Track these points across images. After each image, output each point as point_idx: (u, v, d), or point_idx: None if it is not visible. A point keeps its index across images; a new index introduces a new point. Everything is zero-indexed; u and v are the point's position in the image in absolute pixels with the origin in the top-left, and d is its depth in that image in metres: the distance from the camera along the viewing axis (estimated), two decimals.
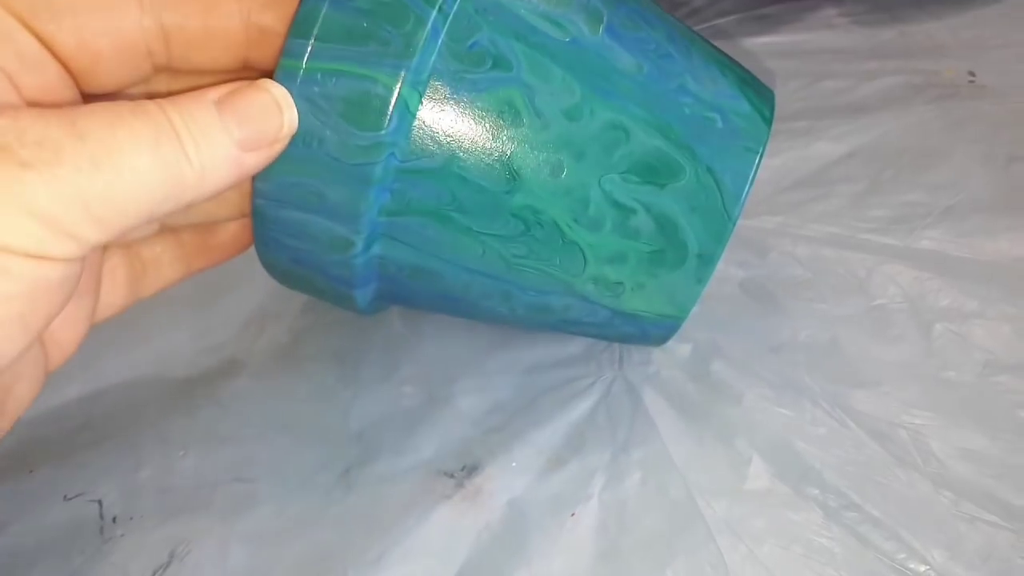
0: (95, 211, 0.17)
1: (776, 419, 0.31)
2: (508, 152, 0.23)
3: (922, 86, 0.47)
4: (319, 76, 0.20)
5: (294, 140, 0.21)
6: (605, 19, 0.24)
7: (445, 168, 0.22)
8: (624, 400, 0.32)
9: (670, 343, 0.33)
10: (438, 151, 0.22)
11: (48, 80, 0.20)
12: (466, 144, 0.22)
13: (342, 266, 0.24)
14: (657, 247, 0.25)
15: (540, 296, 0.26)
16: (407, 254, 0.24)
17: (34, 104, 0.19)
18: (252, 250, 0.26)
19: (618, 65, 0.24)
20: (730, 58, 0.28)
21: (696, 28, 0.53)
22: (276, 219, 0.23)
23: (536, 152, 0.23)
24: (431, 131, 0.22)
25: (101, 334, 0.37)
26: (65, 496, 0.30)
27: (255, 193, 0.22)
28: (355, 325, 0.35)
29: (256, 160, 0.20)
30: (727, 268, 0.37)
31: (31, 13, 0.19)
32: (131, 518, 0.30)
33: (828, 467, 0.30)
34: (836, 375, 0.33)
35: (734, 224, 0.25)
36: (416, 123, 0.21)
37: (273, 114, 0.20)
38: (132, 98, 0.21)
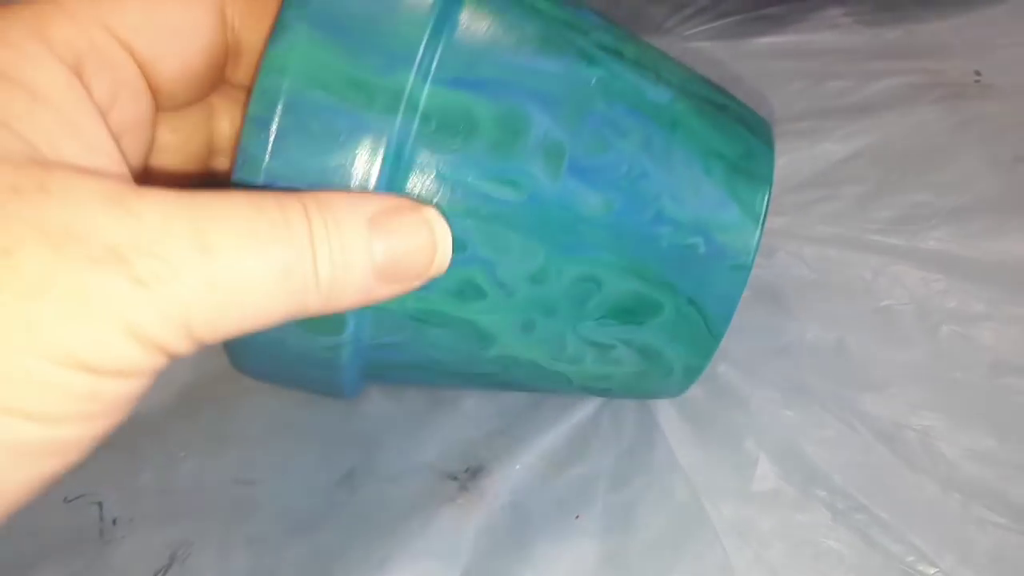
0: (197, 331, 0.15)
1: (783, 421, 0.31)
2: (475, 321, 0.21)
3: (927, 86, 0.47)
4: None
5: None
6: (567, 153, 0.20)
7: (414, 341, 0.22)
8: (629, 403, 0.32)
9: None
10: (403, 330, 0.21)
11: (138, 112, 0.18)
12: (431, 321, 0.21)
13: (332, 389, 0.24)
14: (641, 369, 0.25)
15: (533, 392, 0.27)
16: (395, 377, 0.25)
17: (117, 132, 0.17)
18: None
19: (584, 211, 0.21)
20: (723, 117, 0.24)
21: (700, 28, 0.52)
22: (256, 374, 0.23)
23: (504, 316, 0.22)
24: (393, 318, 0.21)
25: None
26: (65, 498, 0.30)
27: (229, 358, 0.22)
28: None
29: (389, 292, 0.18)
30: None
31: (139, 38, 0.18)
32: (132, 520, 0.29)
33: (836, 469, 0.30)
34: (843, 377, 0.32)
35: (720, 340, 0.24)
36: (374, 315, 0.20)
37: (425, 249, 0.18)
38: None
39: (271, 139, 0.18)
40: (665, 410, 0.32)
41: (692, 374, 0.25)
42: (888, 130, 0.44)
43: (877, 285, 0.36)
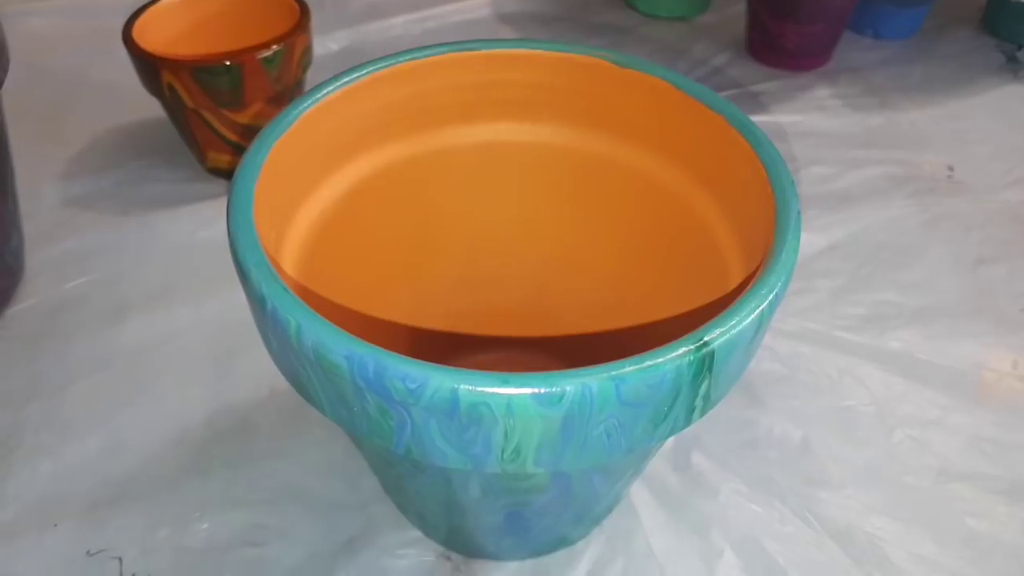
0: None
1: (748, 515, 0.34)
2: None
3: (903, 178, 0.50)
4: None
5: None
6: None
7: None
8: None
9: None
10: None
11: None
12: None
13: None
14: None
15: None
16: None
17: None
18: None
19: None
20: None
21: None
22: None
23: None
24: None
25: (118, 391, 0.38)
26: (88, 552, 0.32)
27: None
28: None
29: None
30: None
31: None
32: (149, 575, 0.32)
33: (792, 565, 0.33)
34: (805, 475, 0.35)
35: None
36: None
37: None
38: None
39: None
40: (643, 498, 0.35)
41: None
42: (865, 223, 0.47)
43: (842, 384, 0.39)
